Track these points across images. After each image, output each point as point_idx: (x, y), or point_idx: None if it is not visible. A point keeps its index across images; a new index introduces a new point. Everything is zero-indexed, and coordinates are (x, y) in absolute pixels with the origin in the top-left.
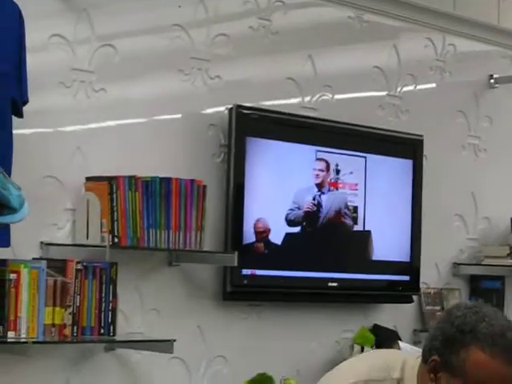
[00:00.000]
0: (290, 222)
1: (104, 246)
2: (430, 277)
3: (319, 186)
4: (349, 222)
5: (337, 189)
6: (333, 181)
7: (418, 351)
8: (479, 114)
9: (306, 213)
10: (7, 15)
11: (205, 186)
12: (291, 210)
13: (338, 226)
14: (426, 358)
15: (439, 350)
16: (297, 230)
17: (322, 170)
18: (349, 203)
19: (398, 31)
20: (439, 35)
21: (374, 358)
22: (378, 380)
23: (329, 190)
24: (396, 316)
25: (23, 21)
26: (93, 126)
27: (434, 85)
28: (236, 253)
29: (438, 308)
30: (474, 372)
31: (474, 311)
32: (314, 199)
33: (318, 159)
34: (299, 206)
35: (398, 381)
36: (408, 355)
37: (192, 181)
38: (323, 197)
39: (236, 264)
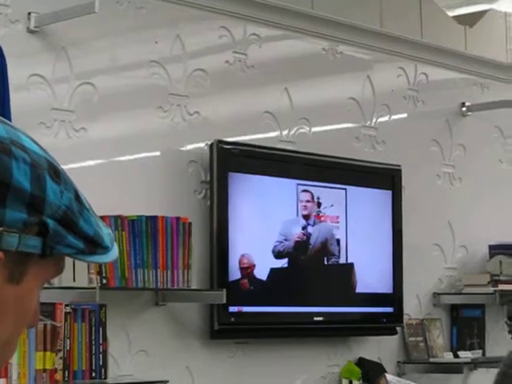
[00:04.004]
0: (278, 254)
1: (92, 288)
2: (412, 308)
3: (306, 217)
4: (333, 254)
5: (321, 221)
6: (314, 214)
7: (406, 383)
8: (453, 142)
9: (296, 243)
10: None
11: (190, 224)
12: (279, 241)
13: (324, 258)
14: None
15: None
16: (282, 263)
17: (309, 201)
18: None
19: (371, 62)
20: (411, 64)
21: None
22: None
23: (314, 222)
24: (380, 348)
25: (5, 60)
26: (75, 165)
27: (407, 114)
28: (224, 290)
29: (420, 339)
30: None
31: None
32: (303, 229)
33: (303, 191)
34: (287, 237)
35: None
36: None
37: (177, 218)
38: (310, 228)
39: (225, 301)
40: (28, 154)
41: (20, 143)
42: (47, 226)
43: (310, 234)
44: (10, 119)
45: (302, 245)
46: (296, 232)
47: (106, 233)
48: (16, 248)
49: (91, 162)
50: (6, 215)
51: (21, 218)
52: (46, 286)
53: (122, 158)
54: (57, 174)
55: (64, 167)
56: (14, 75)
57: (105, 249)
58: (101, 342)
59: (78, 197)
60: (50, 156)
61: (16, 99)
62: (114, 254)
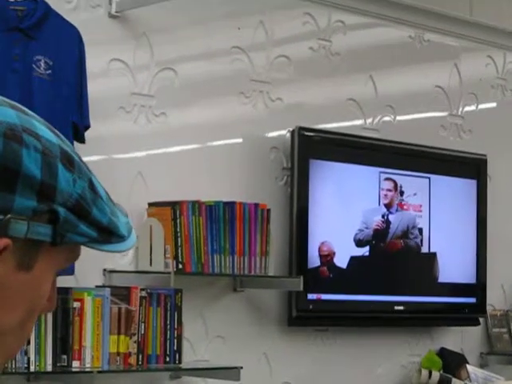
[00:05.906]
0: (359, 243)
1: (168, 273)
2: (496, 298)
3: (387, 206)
4: (415, 243)
5: (403, 209)
6: (397, 202)
7: (487, 375)
8: None
9: (375, 231)
10: (67, 39)
11: (269, 210)
12: (360, 230)
13: (405, 247)
14: None
15: None
16: (363, 251)
17: (390, 190)
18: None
19: (458, 50)
20: (500, 53)
21: None
22: None
23: (397, 210)
24: (462, 339)
25: (83, 45)
26: (154, 151)
27: (495, 104)
28: (301, 277)
29: (504, 330)
30: None
31: None
32: (383, 217)
33: (385, 179)
34: (368, 225)
35: None
36: None
37: (256, 205)
38: (391, 216)
39: (301, 289)
40: (40, 142)
41: (32, 130)
42: (58, 213)
43: (390, 222)
44: (87, 104)
45: (381, 233)
46: (376, 220)
47: (124, 222)
48: (25, 235)
49: (171, 148)
50: (15, 202)
51: (30, 206)
52: (122, 270)
53: (203, 145)
54: (70, 162)
55: (143, 152)
56: (95, 60)
57: (120, 238)
58: (176, 326)
59: (92, 185)
60: (67, 144)
61: (96, 84)
62: (130, 242)
